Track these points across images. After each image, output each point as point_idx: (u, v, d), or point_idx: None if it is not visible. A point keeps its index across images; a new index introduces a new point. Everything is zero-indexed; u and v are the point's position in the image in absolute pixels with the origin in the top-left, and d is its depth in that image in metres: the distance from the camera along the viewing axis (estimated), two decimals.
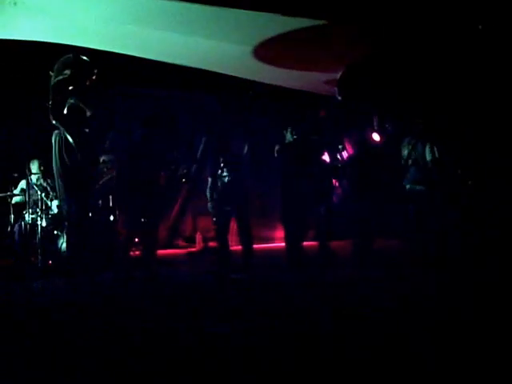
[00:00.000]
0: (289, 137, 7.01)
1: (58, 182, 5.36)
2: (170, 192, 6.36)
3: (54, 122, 5.28)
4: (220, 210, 6.31)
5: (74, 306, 4.38)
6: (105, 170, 6.63)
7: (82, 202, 5.42)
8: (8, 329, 3.63)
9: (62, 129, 5.26)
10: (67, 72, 5.45)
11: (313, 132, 7.31)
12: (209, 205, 6.43)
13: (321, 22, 6.32)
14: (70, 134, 5.25)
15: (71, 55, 5.47)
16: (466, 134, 7.58)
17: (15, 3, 5.53)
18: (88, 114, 5.37)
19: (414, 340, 2.96)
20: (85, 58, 5.50)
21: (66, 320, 3.83)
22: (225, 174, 6.21)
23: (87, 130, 5.37)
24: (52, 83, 5.39)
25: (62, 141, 5.26)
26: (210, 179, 6.42)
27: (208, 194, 6.44)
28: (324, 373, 2.47)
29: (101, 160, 6.17)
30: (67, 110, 5.31)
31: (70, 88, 5.38)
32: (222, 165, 6.24)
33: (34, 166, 6.98)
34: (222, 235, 6.43)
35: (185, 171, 6.47)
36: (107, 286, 5.54)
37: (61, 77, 5.44)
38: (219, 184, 6.25)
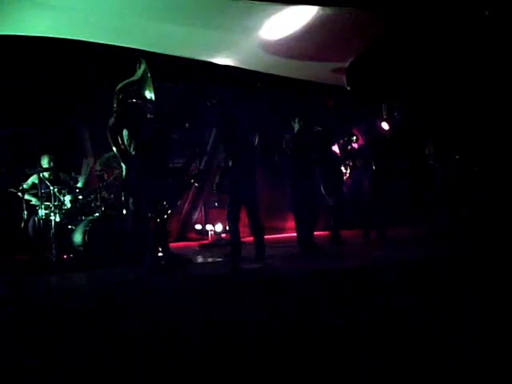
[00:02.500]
0: (297, 127, 7.03)
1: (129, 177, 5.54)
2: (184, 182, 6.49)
3: (116, 121, 5.38)
4: (231, 199, 6.34)
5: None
6: (114, 164, 6.65)
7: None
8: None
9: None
10: (139, 73, 5.53)
11: (319, 122, 7.34)
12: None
13: (329, 11, 6.32)
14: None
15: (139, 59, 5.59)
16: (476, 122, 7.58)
17: None
18: (150, 115, 5.49)
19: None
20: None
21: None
22: (234, 164, 6.24)
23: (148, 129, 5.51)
24: (119, 86, 5.50)
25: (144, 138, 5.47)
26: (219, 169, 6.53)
27: (214, 186, 6.68)
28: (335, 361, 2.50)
29: (111, 154, 6.21)
30: (135, 111, 5.45)
31: (138, 89, 5.47)
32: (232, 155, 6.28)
33: (45, 162, 7.01)
34: (233, 224, 6.47)
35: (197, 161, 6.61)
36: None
37: (128, 80, 5.54)
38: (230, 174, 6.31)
